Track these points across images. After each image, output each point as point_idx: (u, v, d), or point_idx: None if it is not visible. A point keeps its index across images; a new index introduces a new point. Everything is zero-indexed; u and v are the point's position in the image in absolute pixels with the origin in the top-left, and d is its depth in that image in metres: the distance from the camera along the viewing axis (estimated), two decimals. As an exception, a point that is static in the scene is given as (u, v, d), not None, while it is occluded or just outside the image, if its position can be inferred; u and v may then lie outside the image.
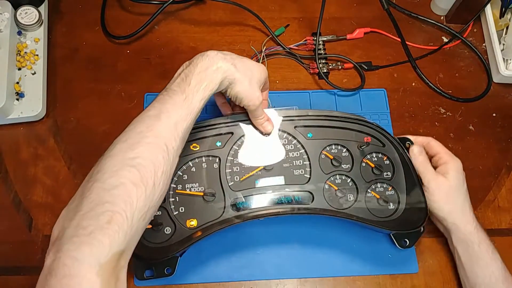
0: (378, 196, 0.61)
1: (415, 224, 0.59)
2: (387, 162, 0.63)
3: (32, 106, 0.67)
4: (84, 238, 0.39)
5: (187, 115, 0.48)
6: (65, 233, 0.40)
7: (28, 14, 0.70)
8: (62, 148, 0.68)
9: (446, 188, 0.59)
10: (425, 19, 0.80)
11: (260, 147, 0.62)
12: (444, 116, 0.73)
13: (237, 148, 0.61)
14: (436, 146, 0.63)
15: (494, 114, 0.74)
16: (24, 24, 0.70)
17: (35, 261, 0.61)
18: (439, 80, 0.76)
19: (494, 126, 0.73)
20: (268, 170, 0.61)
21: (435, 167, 0.62)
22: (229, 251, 0.62)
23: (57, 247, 0.39)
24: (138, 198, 0.42)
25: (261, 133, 0.62)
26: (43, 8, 0.74)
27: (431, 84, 0.75)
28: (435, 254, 0.64)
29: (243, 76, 0.53)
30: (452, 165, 0.60)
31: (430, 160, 0.63)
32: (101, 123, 0.69)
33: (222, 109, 0.63)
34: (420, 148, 0.62)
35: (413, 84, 0.76)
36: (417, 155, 0.61)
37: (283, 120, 0.62)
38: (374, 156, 0.63)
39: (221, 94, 0.60)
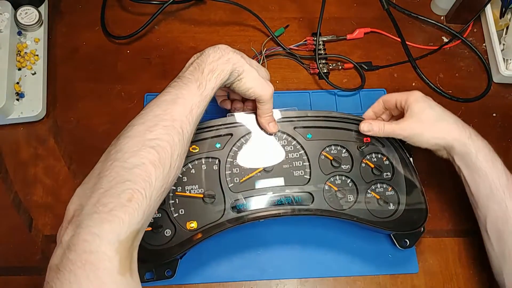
0: (378, 197, 0.61)
1: (415, 224, 0.59)
2: (387, 162, 0.63)
3: (32, 106, 0.67)
4: (105, 215, 0.40)
5: (200, 101, 0.50)
6: (84, 210, 0.41)
7: (28, 14, 0.70)
8: (62, 148, 0.68)
9: (418, 123, 0.58)
10: (425, 19, 0.80)
11: (260, 148, 0.61)
12: (444, 116, 0.73)
13: (237, 150, 0.61)
14: (390, 98, 0.61)
15: (494, 114, 0.74)
16: (24, 24, 0.70)
17: (35, 261, 0.61)
18: (439, 80, 0.76)
19: (494, 126, 0.73)
20: (268, 171, 0.61)
21: (404, 114, 0.60)
22: (229, 251, 0.62)
23: (77, 223, 0.40)
24: (156, 178, 0.43)
25: (265, 132, 0.61)
26: (43, 8, 0.74)
27: (431, 84, 0.75)
28: (435, 254, 0.64)
29: (251, 68, 0.54)
30: (412, 98, 0.59)
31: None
32: (101, 123, 0.69)
33: (222, 105, 0.63)
34: (368, 125, 0.61)
35: (413, 84, 0.76)
36: (374, 130, 0.60)
37: (282, 121, 0.62)
38: (374, 156, 0.63)
39: (222, 90, 0.61)
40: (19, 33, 0.70)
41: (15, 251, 0.62)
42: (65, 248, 0.39)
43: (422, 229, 0.60)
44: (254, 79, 0.54)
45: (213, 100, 0.71)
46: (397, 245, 0.60)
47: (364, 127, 0.61)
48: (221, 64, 0.52)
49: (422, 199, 0.60)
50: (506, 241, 0.53)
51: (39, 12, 0.71)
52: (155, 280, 0.57)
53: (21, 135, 0.68)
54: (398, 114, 0.63)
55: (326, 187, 0.61)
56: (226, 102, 0.63)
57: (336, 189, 0.61)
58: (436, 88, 0.75)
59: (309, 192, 0.60)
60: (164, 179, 0.45)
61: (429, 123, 0.58)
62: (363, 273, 0.62)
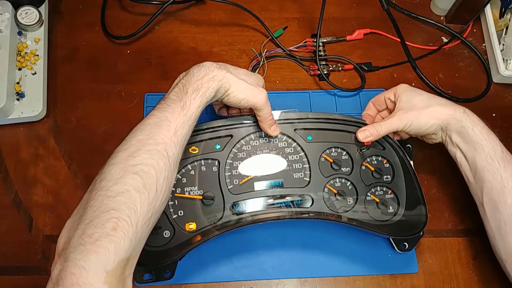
0: (377, 200, 0.61)
1: (415, 229, 0.59)
2: (387, 165, 0.63)
3: (33, 106, 0.67)
4: (90, 246, 0.39)
5: (185, 121, 0.49)
6: (71, 242, 0.40)
7: (28, 14, 0.70)
8: (62, 148, 0.68)
9: (412, 110, 0.59)
10: (425, 19, 0.80)
11: (260, 150, 0.62)
12: (444, 116, 0.73)
13: (237, 151, 0.61)
14: (378, 98, 0.64)
15: (494, 114, 0.74)
16: (24, 24, 0.70)
17: (35, 261, 0.61)
18: (439, 80, 0.76)
19: (494, 126, 0.73)
20: (267, 174, 0.61)
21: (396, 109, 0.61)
22: (229, 251, 0.62)
23: (64, 256, 0.40)
24: (141, 204, 0.43)
25: (268, 136, 0.62)
26: (43, 8, 0.74)
27: (431, 84, 0.75)
28: (435, 254, 0.64)
29: (238, 80, 0.54)
30: (399, 92, 0.61)
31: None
32: (101, 123, 0.69)
33: (220, 113, 0.64)
34: (361, 132, 0.61)
35: (413, 84, 0.76)
36: (372, 134, 0.61)
37: (283, 123, 0.62)
38: (374, 159, 0.63)
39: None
40: (20, 33, 0.71)
41: (15, 251, 0.62)
42: (54, 283, 0.39)
43: (421, 233, 0.60)
44: (244, 90, 0.54)
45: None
46: (396, 249, 0.60)
47: (360, 135, 0.61)
48: (205, 82, 0.51)
49: (422, 202, 0.60)
50: (502, 212, 0.54)
51: (40, 12, 0.71)
52: (154, 281, 0.57)
53: (21, 135, 0.68)
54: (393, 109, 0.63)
55: (326, 190, 0.61)
56: (223, 110, 0.63)
57: (335, 192, 0.60)
58: (436, 88, 0.75)
59: (308, 195, 0.60)
60: (151, 204, 0.44)
61: (422, 107, 0.59)
62: (363, 273, 0.62)
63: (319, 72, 0.73)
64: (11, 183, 0.65)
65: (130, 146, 0.46)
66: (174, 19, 0.78)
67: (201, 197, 0.59)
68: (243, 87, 0.54)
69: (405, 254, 0.61)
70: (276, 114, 0.62)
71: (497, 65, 0.74)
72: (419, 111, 0.59)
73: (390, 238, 0.61)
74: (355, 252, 0.63)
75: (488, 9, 0.77)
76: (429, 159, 0.70)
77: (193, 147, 0.61)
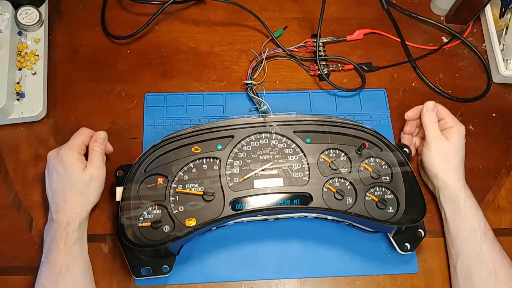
0: (376, 199, 0.61)
1: (414, 221, 0.59)
2: (385, 166, 0.63)
3: (33, 106, 0.67)
4: None
5: (57, 276, 0.53)
6: None
7: (28, 14, 0.70)
8: (62, 148, 0.68)
9: (446, 150, 0.62)
10: (425, 19, 0.80)
11: (260, 150, 0.63)
12: (444, 116, 0.73)
13: (237, 151, 0.62)
14: (442, 111, 0.65)
15: (494, 114, 0.74)
16: (24, 25, 0.70)
17: (35, 261, 0.61)
18: (439, 80, 0.76)
19: (494, 126, 0.73)
20: (267, 172, 0.61)
21: (440, 130, 0.64)
22: (229, 251, 0.62)
23: None
24: None
25: (268, 137, 0.63)
26: (44, 8, 0.74)
27: (431, 84, 0.75)
28: (435, 254, 0.64)
29: (86, 199, 0.59)
30: (457, 129, 0.63)
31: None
32: (101, 123, 0.69)
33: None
34: (434, 105, 0.64)
35: (413, 84, 0.76)
36: (429, 110, 0.64)
37: (282, 125, 0.64)
38: (372, 160, 0.63)
39: None
40: (20, 33, 0.71)
41: (15, 251, 0.62)
42: None
43: (423, 233, 0.60)
44: (95, 194, 0.60)
45: (213, 101, 0.71)
46: (398, 249, 0.60)
47: (430, 106, 0.64)
48: (63, 231, 0.55)
49: (421, 201, 0.60)
50: (475, 280, 0.57)
51: (40, 12, 0.71)
52: (151, 275, 0.57)
53: (21, 135, 0.68)
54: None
55: (325, 189, 0.61)
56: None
57: (334, 190, 0.61)
58: (436, 88, 0.75)
59: (307, 193, 0.60)
60: None
61: (447, 158, 0.62)
62: (363, 273, 0.62)
63: (319, 72, 0.73)
64: (11, 183, 0.65)
65: None
66: (174, 19, 0.78)
67: (201, 193, 0.59)
68: (91, 195, 0.59)
69: (405, 254, 0.61)
70: (276, 117, 0.64)
71: (497, 65, 0.74)
72: (439, 157, 0.62)
73: (392, 238, 0.61)
74: (355, 252, 0.63)
75: (488, 9, 0.77)
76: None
77: (196, 147, 0.62)
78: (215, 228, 0.61)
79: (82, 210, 0.58)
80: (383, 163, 0.63)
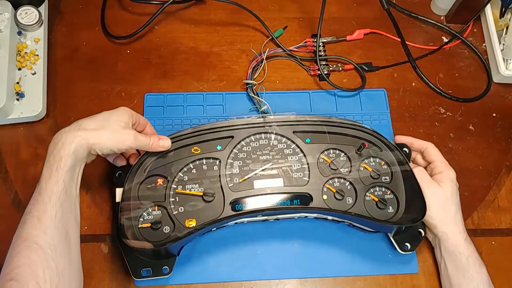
0: (376, 199, 0.61)
1: (413, 221, 0.59)
2: (385, 166, 0.63)
3: (32, 106, 0.67)
4: None
5: (46, 204, 0.48)
6: None
7: (28, 14, 0.70)
8: (62, 148, 0.68)
9: (440, 197, 0.60)
10: (425, 19, 0.80)
11: (259, 150, 0.62)
12: (444, 116, 0.73)
13: (237, 152, 0.62)
14: (433, 154, 0.63)
15: (494, 114, 0.74)
16: (24, 24, 0.70)
17: (35, 261, 0.61)
18: (439, 80, 0.76)
19: (494, 126, 0.73)
20: (267, 173, 0.61)
21: (430, 175, 0.62)
22: (229, 251, 0.62)
23: None
24: None
25: (267, 137, 0.63)
26: (43, 8, 0.74)
27: (431, 84, 0.75)
28: (435, 254, 0.64)
29: (96, 132, 0.52)
30: (447, 175, 0.61)
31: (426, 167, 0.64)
32: (101, 123, 0.69)
33: (116, 163, 0.62)
34: (419, 156, 0.64)
35: (413, 84, 0.76)
36: (417, 163, 0.63)
37: (282, 125, 0.64)
38: (372, 160, 0.63)
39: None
40: (19, 33, 0.70)
41: (15, 251, 0.62)
42: None
43: (423, 233, 0.60)
44: (108, 140, 0.52)
45: (213, 101, 0.71)
46: (398, 249, 0.60)
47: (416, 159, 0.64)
48: (57, 154, 0.50)
49: (421, 201, 0.60)
50: None
51: (39, 12, 0.71)
52: (151, 276, 0.57)
53: (21, 135, 0.68)
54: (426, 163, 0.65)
55: (325, 189, 0.61)
56: (119, 159, 0.61)
57: (334, 191, 0.61)
58: (436, 88, 0.75)
59: (307, 193, 0.60)
60: None
61: (443, 207, 0.60)
62: (363, 273, 0.62)
63: (319, 72, 0.73)
64: (11, 183, 0.65)
65: (8, 255, 0.46)
66: (174, 19, 0.78)
67: (201, 194, 0.59)
68: (105, 137, 0.52)
69: (405, 255, 0.61)
70: (276, 117, 0.64)
71: (497, 65, 0.74)
72: (435, 206, 0.59)
73: (392, 238, 0.61)
74: (355, 252, 0.63)
75: (488, 9, 0.77)
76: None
77: (195, 147, 0.62)
78: (215, 228, 0.60)
79: (85, 139, 0.51)
80: (383, 163, 0.63)
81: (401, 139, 0.65)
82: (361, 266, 0.62)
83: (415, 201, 0.60)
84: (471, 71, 0.77)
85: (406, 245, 0.60)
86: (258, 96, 0.70)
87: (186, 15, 0.79)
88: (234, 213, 0.58)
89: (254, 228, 0.63)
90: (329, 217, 0.62)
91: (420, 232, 0.61)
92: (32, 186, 0.64)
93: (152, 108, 0.70)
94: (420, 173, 0.61)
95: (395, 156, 0.63)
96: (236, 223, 0.61)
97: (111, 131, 0.53)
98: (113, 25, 0.77)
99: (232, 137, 0.63)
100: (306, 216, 0.62)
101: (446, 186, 0.60)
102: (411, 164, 0.62)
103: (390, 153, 0.64)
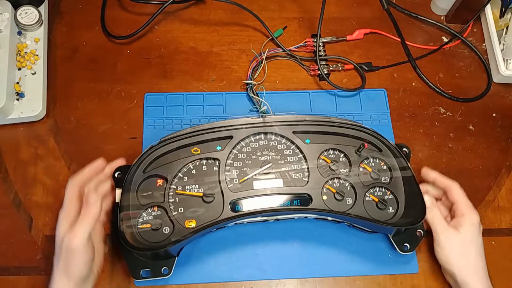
0: (376, 200, 0.61)
1: (413, 223, 0.59)
2: (385, 167, 0.63)
3: (32, 106, 0.67)
4: None
5: None
6: None
7: (28, 14, 0.70)
8: (62, 148, 0.68)
9: (457, 243, 0.57)
10: (425, 19, 0.80)
11: (259, 150, 0.62)
12: (444, 116, 0.73)
13: (237, 152, 0.62)
14: (456, 194, 0.60)
15: (494, 114, 0.74)
16: (24, 24, 0.70)
17: (35, 261, 0.61)
18: (439, 80, 0.76)
19: (494, 126, 0.73)
20: (266, 173, 0.61)
21: (452, 216, 0.61)
22: (229, 251, 0.62)
23: None
24: None
25: (267, 137, 0.63)
26: (43, 8, 0.74)
27: (431, 84, 0.75)
28: (435, 254, 0.64)
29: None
30: (469, 219, 0.58)
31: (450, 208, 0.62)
32: (101, 123, 0.69)
33: None
34: (432, 200, 0.61)
35: (413, 84, 0.76)
36: (430, 207, 0.60)
37: (282, 125, 0.63)
38: (372, 161, 0.63)
39: None
40: (19, 33, 0.70)
41: (15, 251, 0.62)
42: None
43: (422, 233, 0.60)
44: (85, 264, 0.51)
45: (213, 101, 0.71)
46: (398, 250, 0.60)
47: (429, 203, 0.60)
48: None
49: (420, 201, 0.60)
50: None
51: (39, 12, 0.71)
52: (151, 277, 0.57)
53: (21, 135, 0.68)
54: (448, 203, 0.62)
55: (325, 190, 0.61)
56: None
57: (334, 191, 0.61)
58: (436, 88, 0.75)
59: (307, 194, 0.60)
60: None
61: (461, 253, 0.57)
62: (363, 273, 0.62)
63: (319, 72, 0.73)
64: (11, 183, 0.65)
65: None
66: (174, 19, 0.78)
67: (201, 195, 0.59)
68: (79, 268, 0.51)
69: (405, 255, 0.61)
70: (275, 117, 0.64)
71: (497, 65, 0.74)
72: (452, 252, 0.57)
73: (392, 239, 0.61)
74: (355, 252, 0.63)
75: (488, 8, 0.77)
76: (428, 162, 0.70)
77: (195, 148, 0.62)
78: (215, 229, 0.60)
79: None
80: (382, 163, 0.63)
81: (428, 173, 0.63)
82: (361, 266, 0.62)
83: (415, 202, 0.60)
84: (471, 71, 0.77)
85: (406, 246, 0.60)
86: (258, 96, 0.70)
87: (186, 15, 0.79)
88: (233, 214, 0.58)
89: (254, 228, 0.63)
90: (329, 218, 0.62)
91: (419, 232, 0.61)
92: (32, 186, 0.65)
93: (152, 108, 0.70)
94: (434, 218, 0.59)
95: (394, 156, 0.63)
96: (236, 223, 0.61)
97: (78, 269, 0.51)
98: (113, 25, 0.77)
99: (232, 137, 0.63)
100: (306, 217, 0.62)
101: (465, 231, 0.57)
102: (421, 188, 0.61)
103: (390, 154, 0.64)
